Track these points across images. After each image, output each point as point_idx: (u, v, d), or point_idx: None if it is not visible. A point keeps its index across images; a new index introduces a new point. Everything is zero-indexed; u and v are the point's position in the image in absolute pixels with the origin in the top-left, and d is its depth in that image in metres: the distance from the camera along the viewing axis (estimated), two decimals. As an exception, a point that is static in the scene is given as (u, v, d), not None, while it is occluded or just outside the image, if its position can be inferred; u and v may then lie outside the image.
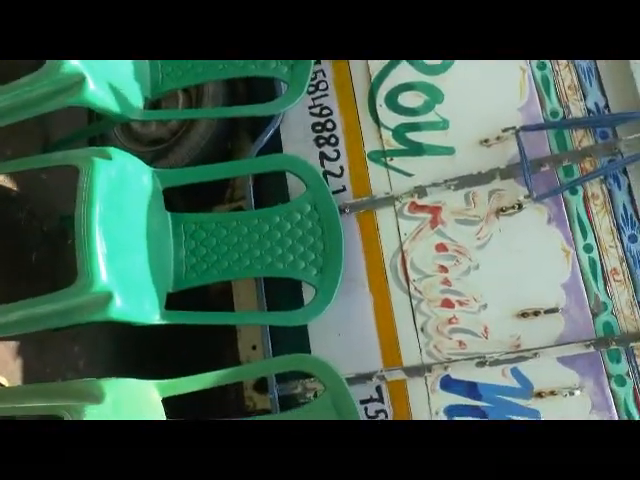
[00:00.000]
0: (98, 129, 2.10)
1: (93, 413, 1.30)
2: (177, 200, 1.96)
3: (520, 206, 1.79)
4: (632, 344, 1.67)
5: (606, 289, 1.72)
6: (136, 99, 1.82)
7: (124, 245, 1.60)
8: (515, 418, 1.74)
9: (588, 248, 1.75)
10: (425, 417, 1.81)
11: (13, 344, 1.73)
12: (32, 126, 1.82)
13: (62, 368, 1.79)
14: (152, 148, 2.16)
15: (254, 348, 2.05)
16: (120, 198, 1.63)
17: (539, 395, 1.72)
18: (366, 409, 1.86)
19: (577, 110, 1.82)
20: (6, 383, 1.67)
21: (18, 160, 1.77)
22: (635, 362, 1.68)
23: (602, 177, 1.76)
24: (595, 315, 1.72)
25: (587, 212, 1.76)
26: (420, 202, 1.88)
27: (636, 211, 1.73)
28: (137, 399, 1.48)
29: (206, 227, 1.86)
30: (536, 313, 1.75)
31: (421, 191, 1.88)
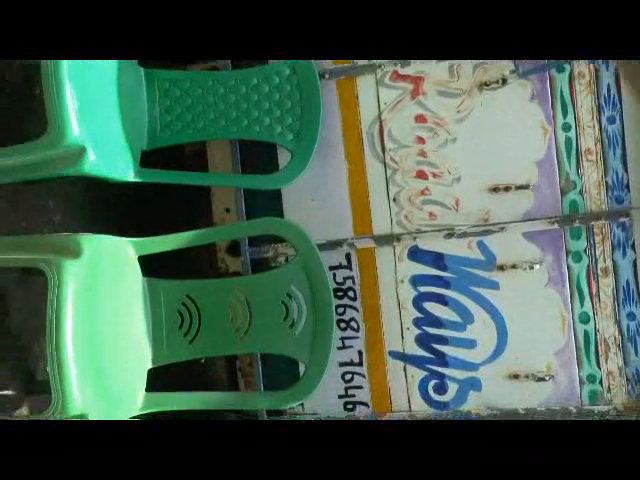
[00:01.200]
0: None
1: (72, 267, 1.31)
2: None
3: (505, 81, 1.76)
4: (593, 222, 1.73)
5: (578, 168, 1.75)
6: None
7: (95, 99, 1.54)
8: (476, 289, 1.82)
9: (566, 127, 1.75)
10: (391, 285, 1.88)
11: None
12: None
13: (38, 222, 1.77)
14: None
15: (228, 211, 2.06)
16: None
17: (501, 268, 1.80)
18: (335, 275, 1.92)
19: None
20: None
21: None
22: (593, 240, 1.75)
23: (591, 54, 1.73)
24: (564, 193, 1.76)
25: (571, 90, 1.75)
26: (402, 71, 1.84)
27: (619, 92, 1.72)
28: (114, 255, 1.50)
29: (181, 85, 1.79)
30: (507, 188, 1.78)
31: (404, 60, 1.83)
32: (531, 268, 1.77)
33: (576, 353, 1.77)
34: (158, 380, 1.56)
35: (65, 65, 1.43)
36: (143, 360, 1.53)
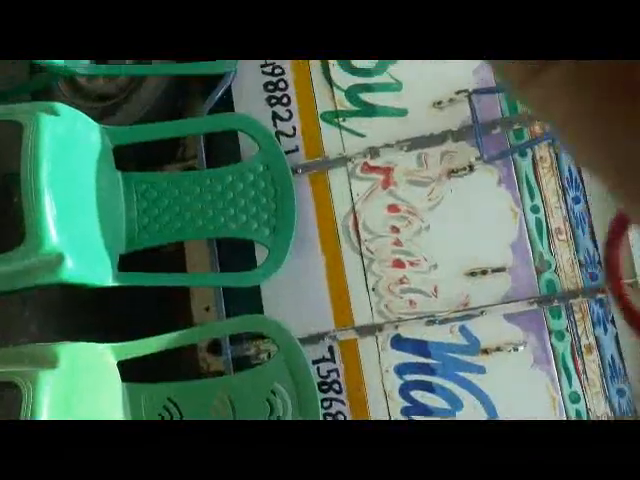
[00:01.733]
0: (41, 82, 2.01)
1: (48, 379, 1.28)
2: (127, 159, 1.91)
3: (471, 167, 1.82)
4: (571, 301, 1.75)
5: (550, 248, 1.78)
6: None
7: (74, 205, 1.56)
8: (462, 374, 1.80)
9: (535, 209, 1.80)
10: (376, 375, 1.86)
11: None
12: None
13: (13, 333, 1.74)
14: (99, 104, 2.09)
15: (207, 310, 2.04)
16: (68, 156, 1.58)
17: (485, 352, 1.79)
18: (318, 369, 1.89)
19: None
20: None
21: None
22: (573, 317, 1.76)
23: (550, 141, 1.80)
24: (539, 273, 1.79)
25: (535, 174, 1.81)
26: (372, 163, 1.90)
27: (580, 174, 1.79)
28: (92, 363, 1.47)
29: (158, 187, 1.83)
30: (484, 272, 1.80)
31: (374, 152, 1.89)
32: (515, 350, 1.77)
33: (569, 435, 1.73)
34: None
35: (44, 172, 1.46)
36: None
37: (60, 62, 1.62)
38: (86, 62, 1.76)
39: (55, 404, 1.25)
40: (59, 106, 1.58)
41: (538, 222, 1.80)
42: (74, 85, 2.08)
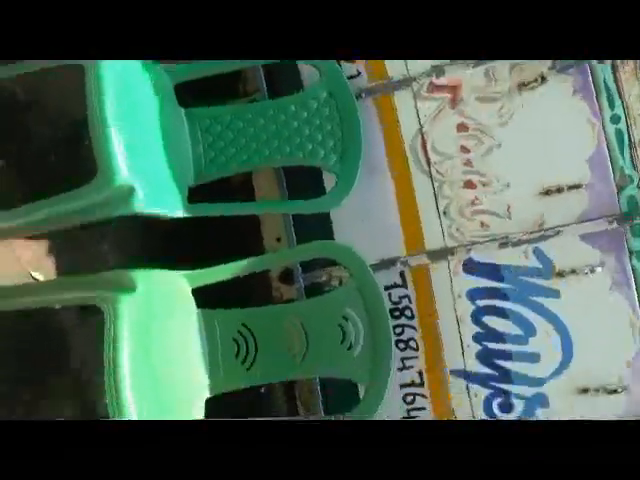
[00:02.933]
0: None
1: (127, 302, 1.34)
2: (190, 99, 1.92)
3: (543, 79, 1.72)
4: (656, 218, 1.66)
5: (632, 161, 1.68)
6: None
7: (141, 142, 1.58)
8: (536, 299, 1.75)
9: (615, 119, 1.68)
10: (448, 301, 1.83)
11: (45, 242, 1.75)
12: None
13: (94, 265, 1.82)
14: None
15: (278, 240, 2.06)
16: (131, 95, 1.60)
17: (560, 275, 1.72)
18: (390, 295, 1.89)
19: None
20: (42, 279, 1.71)
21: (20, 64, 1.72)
22: (658, 239, 1.66)
23: (632, 42, 1.68)
24: (620, 189, 1.68)
25: (616, 80, 1.68)
26: (438, 82, 1.82)
27: (669, 77, 1.66)
28: (168, 289, 1.52)
29: (221, 120, 1.83)
30: (559, 190, 1.72)
31: (439, 70, 1.81)
32: (592, 272, 1.69)
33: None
34: (216, 410, 1.55)
35: (109, 111, 1.49)
36: (200, 390, 1.53)
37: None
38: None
39: (134, 326, 1.31)
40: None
41: (619, 133, 1.69)
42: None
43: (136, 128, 1.58)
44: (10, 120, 1.83)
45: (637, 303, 1.67)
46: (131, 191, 1.46)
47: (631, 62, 1.67)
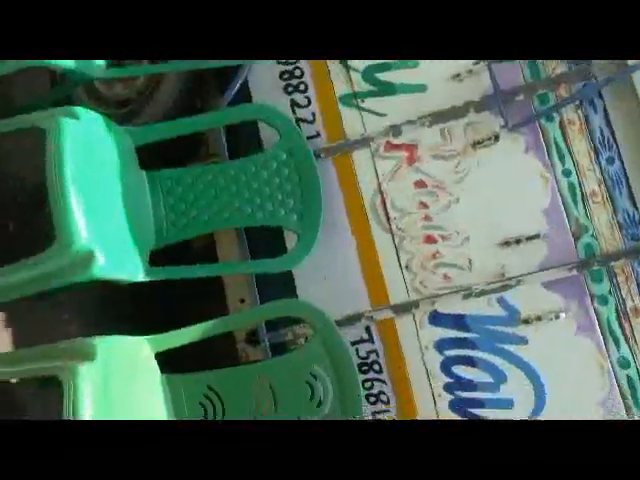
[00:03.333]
0: (62, 92, 2.05)
1: (87, 371, 1.30)
2: (151, 161, 1.93)
3: (497, 137, 1.79)
4: (612, 263, 1.70)
5: (586, 211, 1.74)
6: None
7: (101, 205, 1.58)
8: (504, 346, 1.77)
9: (567, 172, 1.75)
10: (416, 353, 1.83)
11: (2, 314, 1.71)
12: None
13: (53, 335, 1.78)
14: (119, 110, 2.11)
15: (242, 301, 2.04)
16: (92, 158, 1.61)
17: (526, 321, 1.75)
18: (357, 350, 1.87)
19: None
20: (-2, 351, 1.66)
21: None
22: (616, 280, 1.70)
23: (577, 102, 1.75)
24: (576, 238, 1.74)
25: (564, 137, 1.76)
26: (395, 141, 1.87)
27: (612, 133, 1.73)
28: (130, 355, 1.49)
29: (183, 182, 1.85)
30: (518, 241, 1.76)
31: (395, 130, 1.87)
32: (557, 318, 1.72)
33: (623, 401, 1.68)
34: None
35: (69, 174, 1.48)
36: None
37: (78, 67, 1.64)
38: (103, 65, 1.78)
39: (96, 396, 1.27)
40: (78, 109, 1.61)
41: (571, 186, 1.75)
42: (94, 93, 2.11)
43: (97, 191, 1.58)
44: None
45: (603, 345, 1.70)
46: (91, 256, 1.44)
47: (577, 120, 1.75)
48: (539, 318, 1.74)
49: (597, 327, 1.71)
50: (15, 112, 1.85)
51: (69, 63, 1.61)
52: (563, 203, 1.75)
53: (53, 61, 1.57)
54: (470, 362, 1.79)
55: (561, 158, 1.76)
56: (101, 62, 1.77)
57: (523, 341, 1.76)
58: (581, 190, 1.74)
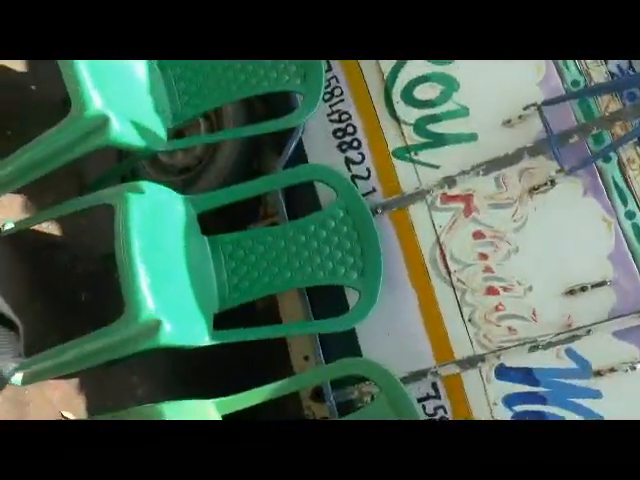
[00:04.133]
0: (127, 166, 2.16)
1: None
2: (213, 225, 1.99)
3: (553, 182, 1.76)
4: (687, 308, 1.63)
5: (654, 254, 1.68)
6: (159, 131, 1.87)
7: (166, 274, 1.64)
8: (576, 401, 1.70)
9: (630, 214, 1.70)
10: (484, 409, 1.79)
11: (75, 381, 1.78)
12: (66, 172, 1.88)
13: (122, 398, 1.83)
14: (181, 177, 2.21)
15: (306, 359, 2.06)
16: (156, 228, 1.68)
17: (598, 374, 1.68)
18: (424, 407, 1.85)
19: (599, 76, 1.77)
20: (72, 417, 1.72)
21: (57, 206, 1.83)
22: (692, 326, 1.63)
23: (635, 139, 1.71)
24: (646, 283, 1.68)
25: (624, 178, 1.71)
26: (451, 192, 1.87)
27: (676, 170, 1.68)
28: (198, 418, 1.51)
29: (243, 245, 1.89)
30: (583, 289, 1.71)
31: (450, 181, 1.87)
32: (633, 369, 1.65)
33: None
34: None
35: (136, 246, 1.55)
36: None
37: (142, 143, 1.73)
38: (164, 139, 1.87)
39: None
40: (143, 184, 1.69)
41: (636, 228, 1.70)
42: (157, 163, 2.22)
43: (162, 260, 1.64)
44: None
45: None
46: (157, 325, 1.49)
47: (637, 158, 1.71)
48: (612, 369, 1.67)
49: (677, 377, 1.63)
50: (88, 190, 1.97)
51: (136, 141, 1.71)
52: (629, 247, 1.70)
53: (124, 141, 1.67)
54: (542, 417, 1.73)
55: (623, 200, 1.71)
56: (162, 136, 1.86)
57: (597, 395, 1.69)
58: (647, 232, 1.69)
